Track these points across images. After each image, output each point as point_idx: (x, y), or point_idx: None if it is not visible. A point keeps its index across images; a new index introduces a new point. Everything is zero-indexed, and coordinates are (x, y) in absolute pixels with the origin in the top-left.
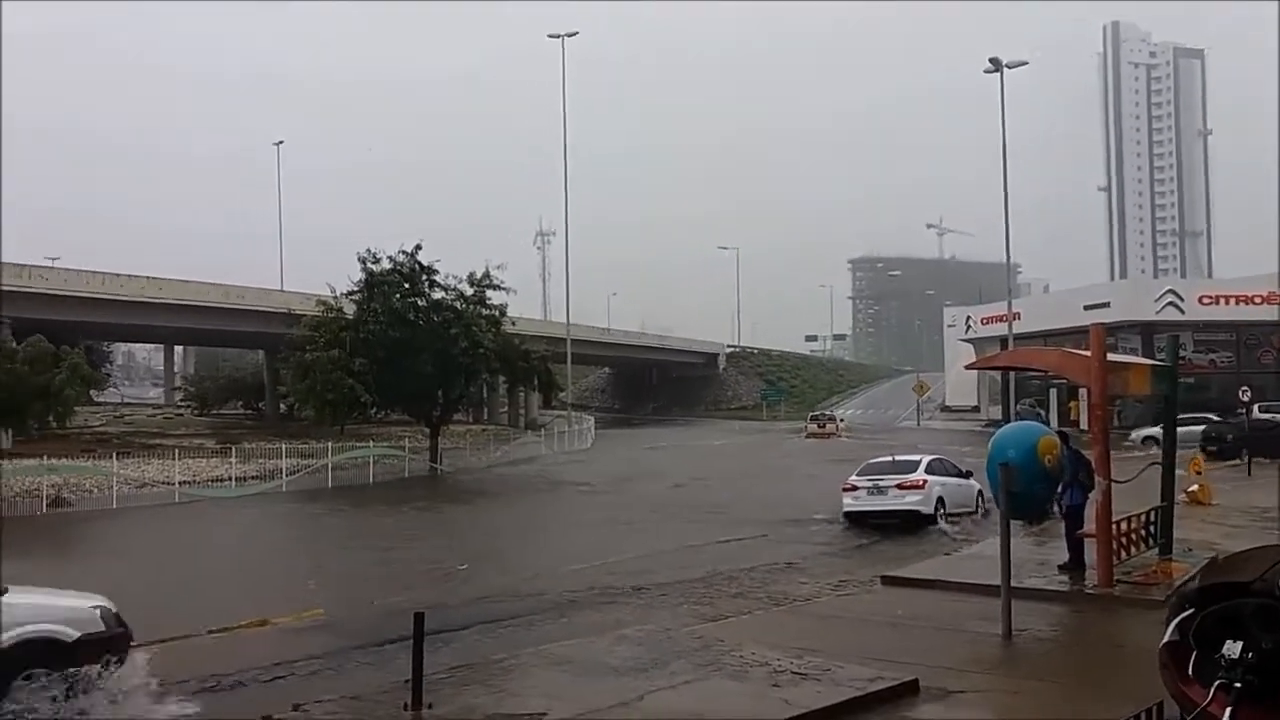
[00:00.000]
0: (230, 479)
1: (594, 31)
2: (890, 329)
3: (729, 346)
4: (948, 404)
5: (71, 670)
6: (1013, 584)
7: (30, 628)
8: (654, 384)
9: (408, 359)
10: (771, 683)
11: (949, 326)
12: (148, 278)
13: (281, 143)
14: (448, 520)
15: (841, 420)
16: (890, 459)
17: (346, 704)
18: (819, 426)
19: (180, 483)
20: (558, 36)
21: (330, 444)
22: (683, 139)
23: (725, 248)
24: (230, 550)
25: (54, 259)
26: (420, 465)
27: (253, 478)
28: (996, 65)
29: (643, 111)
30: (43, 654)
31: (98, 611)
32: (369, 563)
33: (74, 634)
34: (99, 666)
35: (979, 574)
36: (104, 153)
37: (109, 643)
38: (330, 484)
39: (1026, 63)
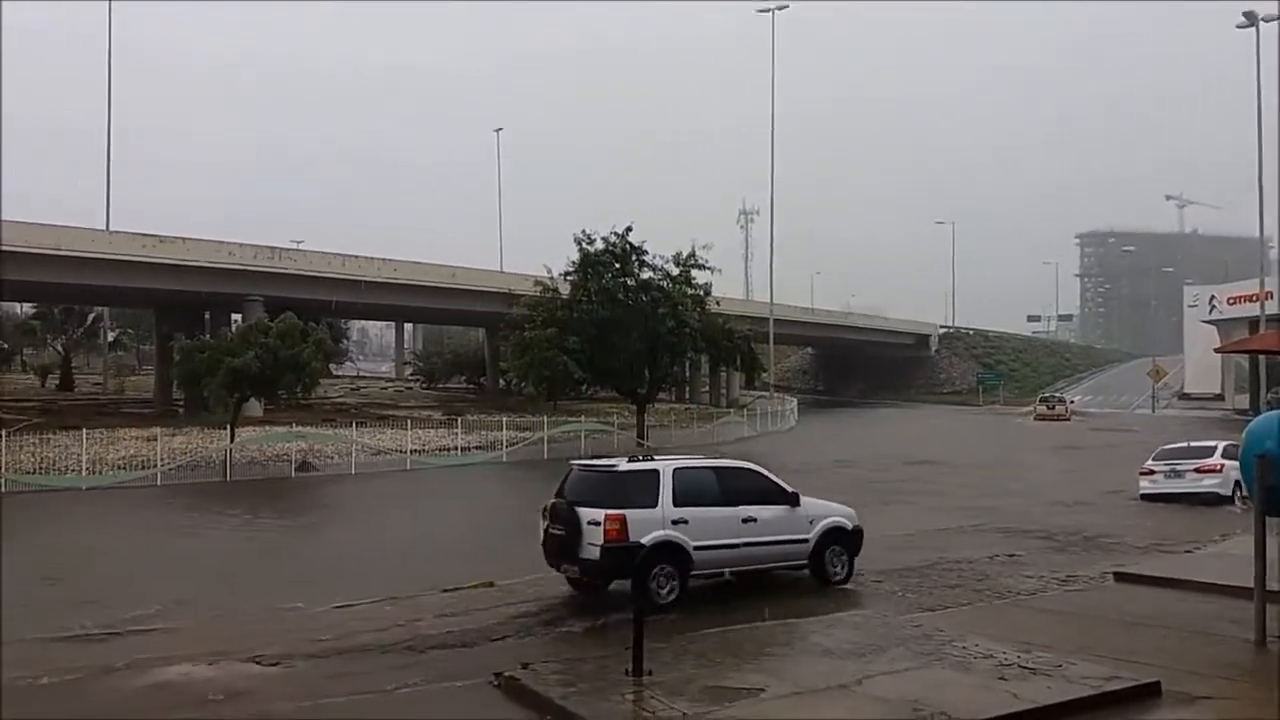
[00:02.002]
0: (456, 448)
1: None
2: (1122, 309)
3: (942, 327)
4: (1186, 391)
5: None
6: (1268, 586)
7: (831, 519)
8: (860, 366)
9: (617, 337)
10: (997, 675)
11: (1189, 306)
12: (383, 259)
13: (501, 129)
14: None
15: (1071, 402)
16: (1185, 444)
17: (572, 665)
18: (1048, 408)
19: (411, 451)
20: (767, 11)
21: (545, 418)
22: (892, 107)
23: (941, 222)
24: (457, 515)
25: (299, 242)
26: (627, 440)
27: (476, 448)
28: (1251, 20)
29: (849, 80)
30: (837, 535)
31: (854, 513)
32: None
33: (850, 525)
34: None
35: (1224, 573)
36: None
37: (861, 535)
38: (546, 455)
39: None
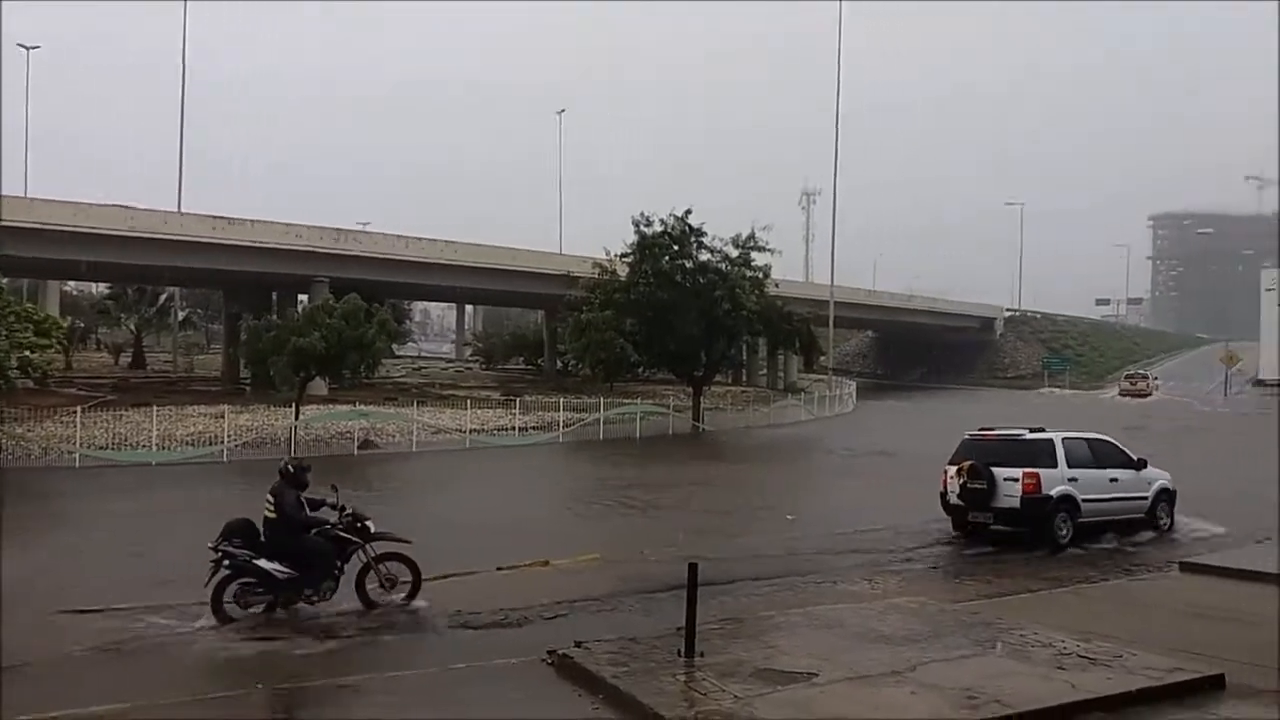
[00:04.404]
0: (514, 429)
1: None
2: (1195, 293)
3: (1007, 310)
4: (1261, 377)
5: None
6: None
7: (1161, 481)
8: (921, 349)
9: (674, 319)
10: (1056, 665)
11: (1267, 290)
12: (445, 241)
13: (564, 111)
14: (712, 476)
15: (1155, 379)
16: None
17: (624, 645)
18: (1132, 384)
19: (470, 430)
20: None
21: (601, 399)
22: (959, 88)
23: (1011, 202)
24: (515, 494)
25: (365, 224)
26: (683, 423)
27: (534, 428)
28: None
29: (914, 59)
30: (1165, 494)
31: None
32: (641, 512)
33: (1171, 486)
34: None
35: None
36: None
37: (1176, 494)
38: (602, 436)
39: None
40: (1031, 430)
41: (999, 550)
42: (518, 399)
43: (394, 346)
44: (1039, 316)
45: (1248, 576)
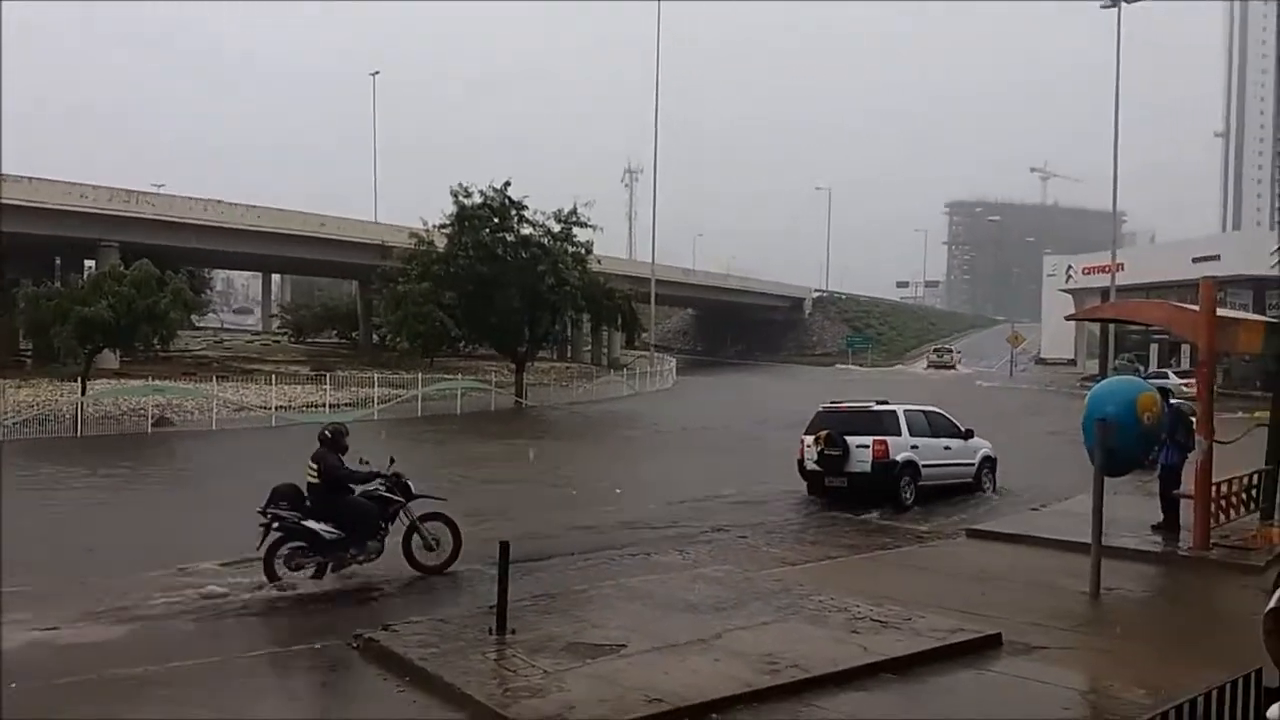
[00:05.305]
0: (324, 405)
1: None
2: (986, 277)
3: (816, 291)
4: (1043, 356)
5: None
6: (1104, 543)
7: (984, 450)
8: (737, 327)
9: (496, 294)
10: (851, 629)
11: (1048, 276)
12: (247, 205)
13: (378, 73)
14: (533, 452)
15: (959, 353)
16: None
17: (434, 626)
18: (939, 358)
19: (276, 408)
20: None
21: (420, 375)
22: (771, 73)
23: (820, 187)
24: None
25: (159, 185)
26: (505, 400)
27: (346, 405)
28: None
29: (735, 42)
30: (989, 461)
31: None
32: (457, 489)
33: (993, 455)
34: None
35: (1068, 530)
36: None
37: (997, 461)
38: (420, 414)
39: None
40: (878, 403)
41: (804, 519)
42: (329, 374)
43: (193, 317)
44: (844, 297)
45: (1026, 541)
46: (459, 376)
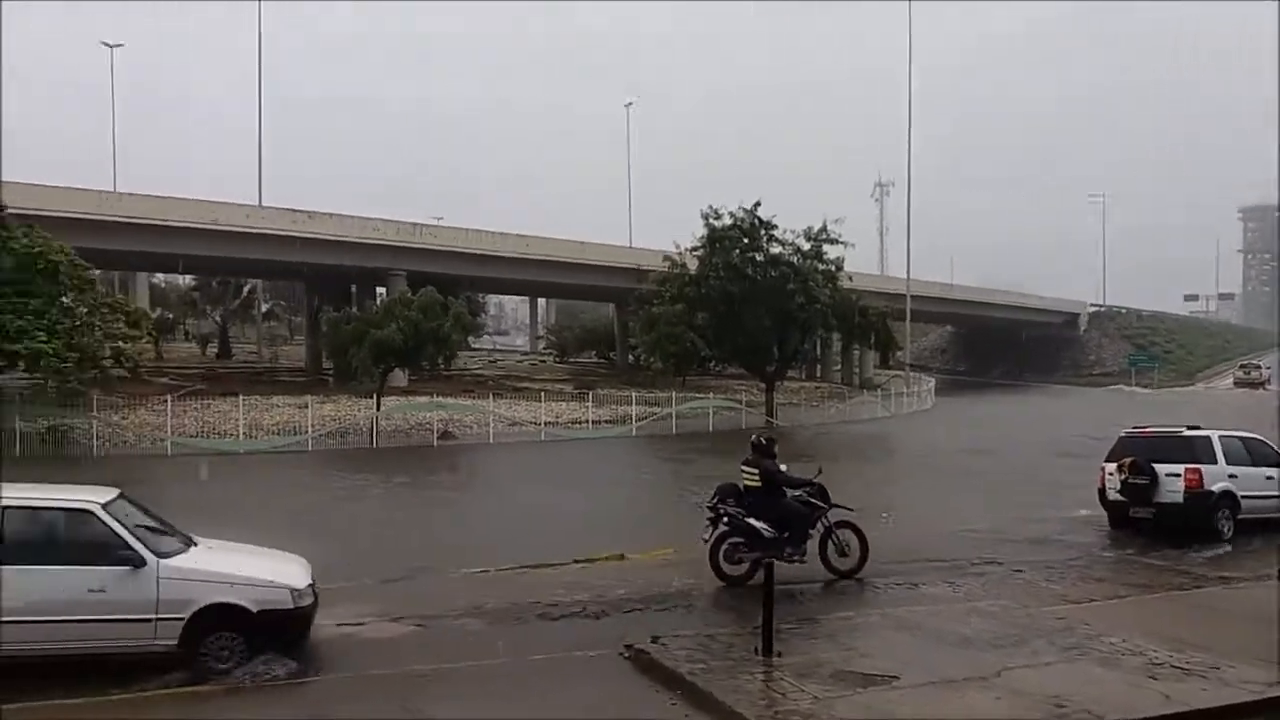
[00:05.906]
0: (587, 422)
1: None
2: None
3: (1092, 305)
4: None
5: None
6: None
7: None
8: (1002, 346)
9: (745, 313)
10: (1148, 674)
11: None
12: (516, 235)
13: (632, 104)
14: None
15: (1269, 369)
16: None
17: (701, 641)
18: (1245, 374)
19: (545, 423)
20: None
21: (674, 394)
22: (1040, 78)
23: (1095, 196)
24: (590, 487)
25: (439, 218)
26: (755, 419)
27: (607, 421)
28: None
29: (995, 46)
30: None
31: None
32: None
33: None
34: None
35: None
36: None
37: None
38: (675, 431)
39: None
40: (1189, 428)
41: (1088, 553)
42: (591, 392)
43: (470, 339)
44: (1124, 311)
45: None
46: (710, 395)
